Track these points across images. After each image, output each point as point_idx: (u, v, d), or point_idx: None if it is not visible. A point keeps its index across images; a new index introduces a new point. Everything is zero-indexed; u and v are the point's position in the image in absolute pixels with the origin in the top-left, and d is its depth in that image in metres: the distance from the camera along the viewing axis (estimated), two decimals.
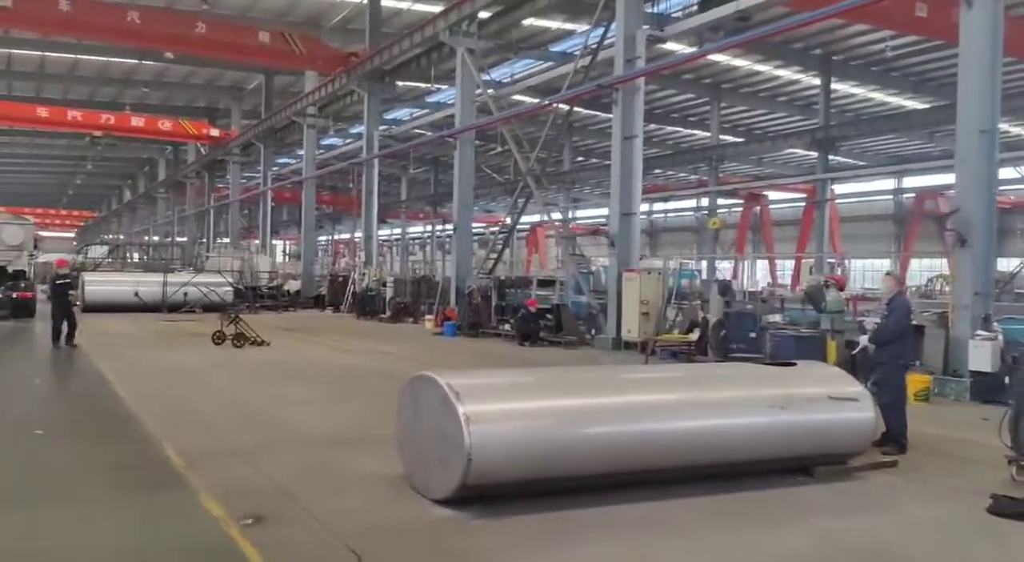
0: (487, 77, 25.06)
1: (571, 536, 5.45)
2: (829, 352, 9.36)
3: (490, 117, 24.54)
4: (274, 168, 47.01)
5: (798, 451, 6.92)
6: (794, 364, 7.68)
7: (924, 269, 36.66)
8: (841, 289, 10.18)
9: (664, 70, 22.92)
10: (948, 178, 34.35)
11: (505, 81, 29.83)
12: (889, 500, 6.53)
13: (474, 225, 29.24)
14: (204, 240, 54.14)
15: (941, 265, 33.84)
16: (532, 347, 18.65)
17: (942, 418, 10.02)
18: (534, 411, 6.17)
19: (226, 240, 48.23)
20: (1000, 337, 11.63)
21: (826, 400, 7.06)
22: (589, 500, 6.06)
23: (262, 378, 12.86)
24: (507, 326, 20.73)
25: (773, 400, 6.81)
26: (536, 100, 27.05)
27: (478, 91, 24.66)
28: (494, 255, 25.79)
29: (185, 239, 57.19)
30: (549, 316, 19.87)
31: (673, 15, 19.84)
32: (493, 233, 29.97)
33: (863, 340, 8.46)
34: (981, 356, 11.56)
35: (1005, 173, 28.21)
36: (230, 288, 29.21)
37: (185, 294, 27.92)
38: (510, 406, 6.15)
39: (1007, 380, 11.42)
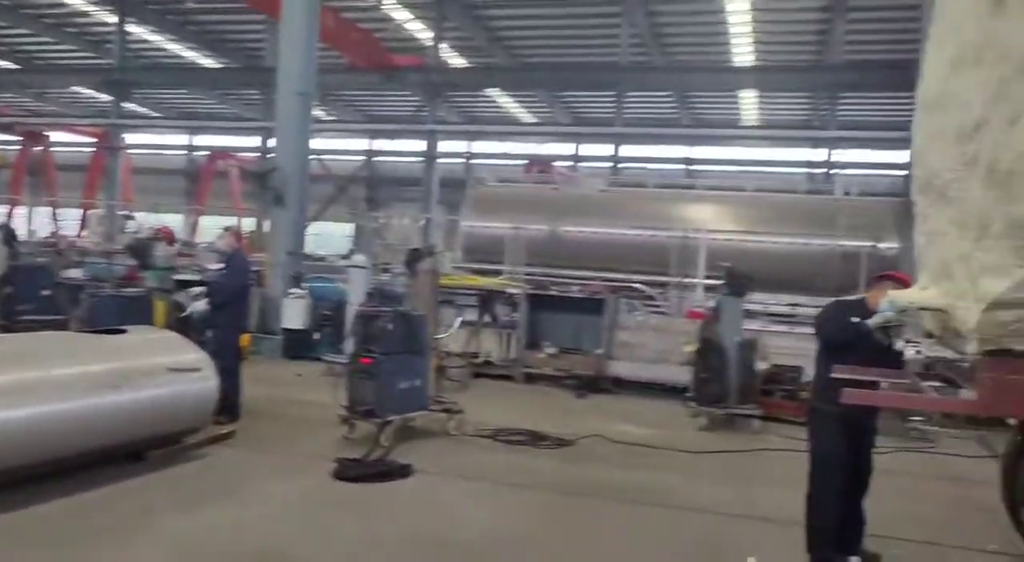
0: None
1: None
2: (157, 314, 8.28)
3: None
4: None
5: (135, 435, 5.75)
6: (124, 331, 6.40)
7: (216, 226, 37.27)
8: (171, 243, 9.15)
9: None
10: (238, 140, 36.03)
11: None
12: (238, 481, 5.85)
13: None
14: None
15: (230, 222, 34.92)
16: None
17: (264, 377, 9.79)
18: None
19: None
20: (308, 296, 12.10)
21: (166, 372, 6.04)
22: None
23: None
24: None
25: (107, 377, 5.52)
26: None
27: None
28: None
29: None
30: None
31: None
32: None
33: (198, 303, 7.61)
34: (294, 313, 11.92)
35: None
36: None
37: None
38: None
39: (316, 336, 11.99)
